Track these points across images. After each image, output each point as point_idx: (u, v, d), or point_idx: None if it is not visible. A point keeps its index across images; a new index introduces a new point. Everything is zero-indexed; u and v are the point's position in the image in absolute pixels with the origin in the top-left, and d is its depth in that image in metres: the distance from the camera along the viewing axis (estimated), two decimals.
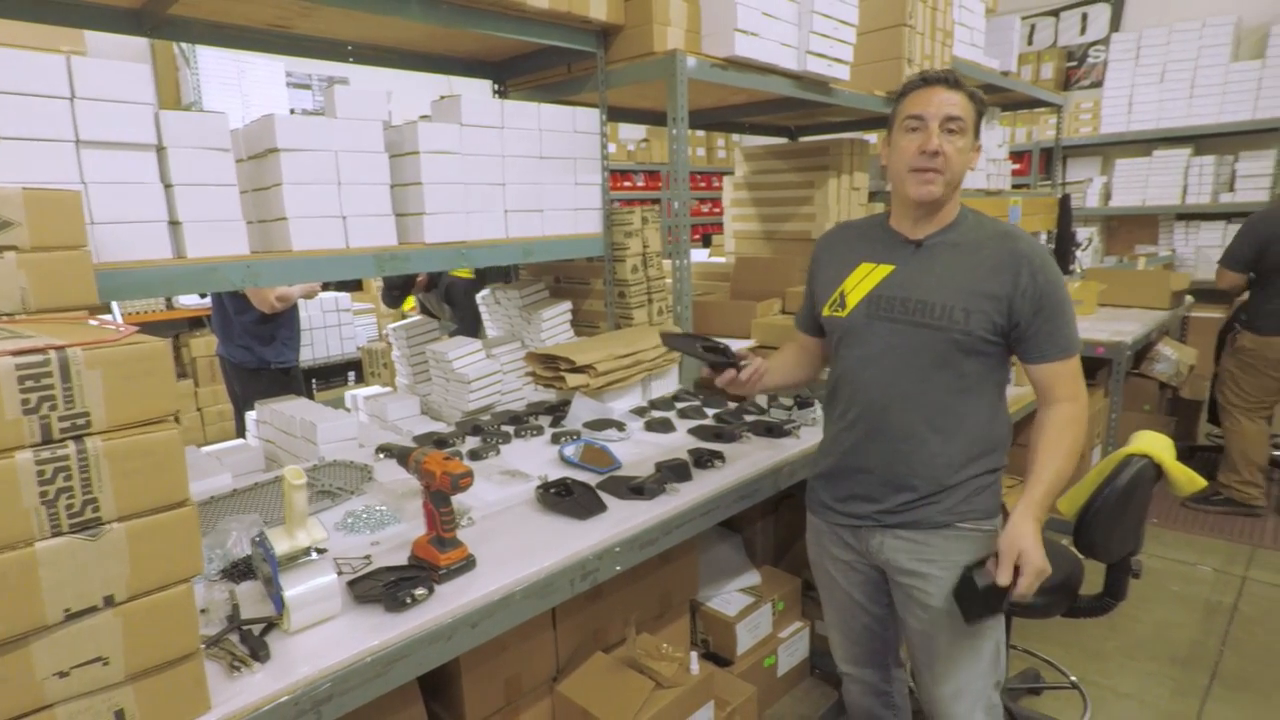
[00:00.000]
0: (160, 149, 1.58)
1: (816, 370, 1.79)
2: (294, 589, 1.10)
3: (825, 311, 1.59)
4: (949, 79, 1.45)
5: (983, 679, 1.54)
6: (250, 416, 2.37)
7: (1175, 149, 6.36)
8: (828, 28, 2.67)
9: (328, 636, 1.12)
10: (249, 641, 1.07)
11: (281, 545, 1.11)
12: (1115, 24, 6.98)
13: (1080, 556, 1.91)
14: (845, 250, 1.62)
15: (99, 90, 1.46)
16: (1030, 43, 7.45)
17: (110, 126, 1.48)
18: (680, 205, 2.43)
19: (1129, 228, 6.84)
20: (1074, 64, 7.32)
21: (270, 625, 1.12)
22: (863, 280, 1.54)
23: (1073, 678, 2.37)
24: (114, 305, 3.97)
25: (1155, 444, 1.79)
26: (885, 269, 1.52)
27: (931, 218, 1.50)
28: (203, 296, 4.42)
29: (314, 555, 1.16)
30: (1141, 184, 6.49)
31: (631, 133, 7.38)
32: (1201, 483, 1.78)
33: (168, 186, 1.59)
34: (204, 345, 4.70)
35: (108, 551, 0.80)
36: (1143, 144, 6.54)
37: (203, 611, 1.16)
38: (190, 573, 0.87)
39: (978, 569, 1.41)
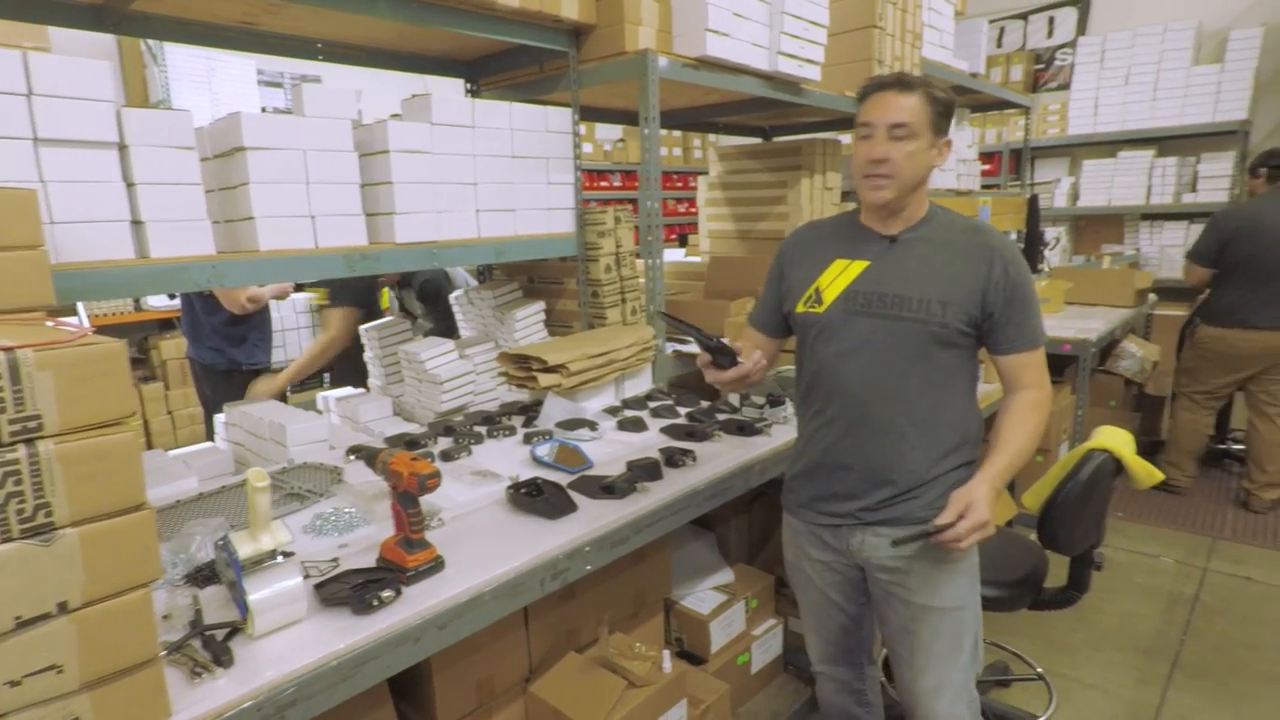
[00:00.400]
0: (122, 147, 1.54)
1: (768, 369, 1.77)
2: (258, 593, 1.09)
3: (799, 308, 1.60)
4: (899, 82, 1.45)
5: (963, 672, 1.56)
6: (219, 419, 2.34)
7: (1139, 150, 6.50)
8: (798, 28, 2.69)
9: (293, 640, 1.11)
10: (212, 647, 1.06)
11: (245, 549, 1.09)
12: (1081, 28, 7.11)
13: (1044, 550, 1.95)
14: (817, 248, 1.62)
15: (57, 87, 1.43)
16: (1000, 45, 7.56)
17: (69, 124, 1.45)
18: (652, 205, 2.43)
19: (1096, 227, 6.97)
20: (1042, 66, 7.44)
21: (234, 630, 1.11)
22: (839, 276, 1.55)
23: (1039, 669, 2.41)
24: (80, 307, 3.89)
25: (1115, 439, 1.83)
26: (860, 264, 1.54)
27: (897, 216, 1.52)
28: (172, 298, 4.34)
29: (279, 559, 1.14)
30: (1107, 184, 6.62)
31: (608, 133, 7.37)
32: (1159, 476, 1.83)
33: (130, 185, 1.57)
34: (174, 347, 4.62)
35: (61, 557, 0.79)
36: (1108, 145, 6.67)
37: (165, 617, 1.14)
38: (148, 578, 0.85)
39: None
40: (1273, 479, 3.66)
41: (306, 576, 1.28)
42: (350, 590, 1.19)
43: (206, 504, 1.67)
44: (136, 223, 1.58)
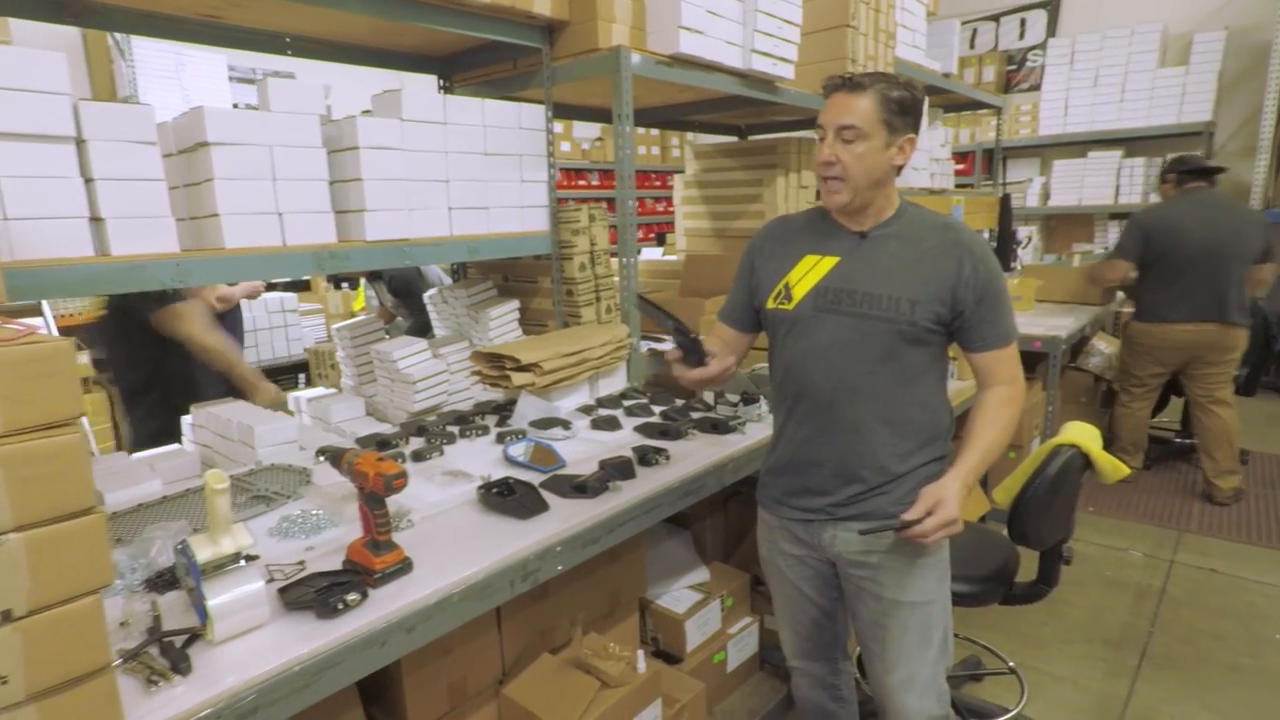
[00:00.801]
0: (80, 141, 1.51)
1: (736, 365, 1.75)
2: (217, 598, 1.06)
3: (769, 304, 1.59)
4: (849, 83, 1.45)
5: (932, 666, 1.57)
6: (186, 421, 2.29)
7: (1108, 151, 6.61)
8: (772, 27, 2.70)
9: (254, 646, 1.09)
10: (170, 654, 1.03)
11: (204, 553, 1.07)
12: (1052, 29, 7.21)
13: (1015, 545, 1.97)
14: (787, 243, 1.61)
15: (9, 79, 1.39)
16: (972, 46, 7.65)
17: (23, 117, 1.41)
18: (626, 203, 2.42)
19: (1066, 226, 7.08)
20: (1014, 67, 7.54)
21: (194, 636, 1.08)
22: (808, 272, 1.54)
23: (1011, 663, 2.44)
24: (45, 306, 3.80)
25: (1083, 434, 1.86)
26: (831, 260, 1.53)
27: (863, 213, 1.52)
28: None
29: (241, 562, 1.12)
30: (1078, 184, 6.73)
31: (586, 131, 7.35)
32: (1125, 470, 1.85)
33: (89, 181, 1.53)
34: None
35: (4, 564, 0.76)
36: (1078, 145, 6.78)
37: (122, 624, 1.11)
38: (98, 584, 0.83)
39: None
40: (1224, 466, 3.76)
41: (270, 580, 1.26)
42: (315, 594, 1.17)
43: (170, 507, 1.63)
44: (96, 219, 1.54)
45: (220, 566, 1.11)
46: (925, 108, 1.54)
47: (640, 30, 2.43)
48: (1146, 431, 4.07)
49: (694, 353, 1.55)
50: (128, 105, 1.57)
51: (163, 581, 1.25)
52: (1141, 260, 3.73)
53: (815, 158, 1.49)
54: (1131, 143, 6.57)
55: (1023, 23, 7.44)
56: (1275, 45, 5.61)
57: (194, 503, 1.66)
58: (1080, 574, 3.08)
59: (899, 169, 1.50)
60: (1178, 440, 4.43)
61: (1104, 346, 4.27)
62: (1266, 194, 5.80)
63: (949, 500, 1.38)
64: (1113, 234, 6.71)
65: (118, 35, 4.40)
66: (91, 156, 1.51)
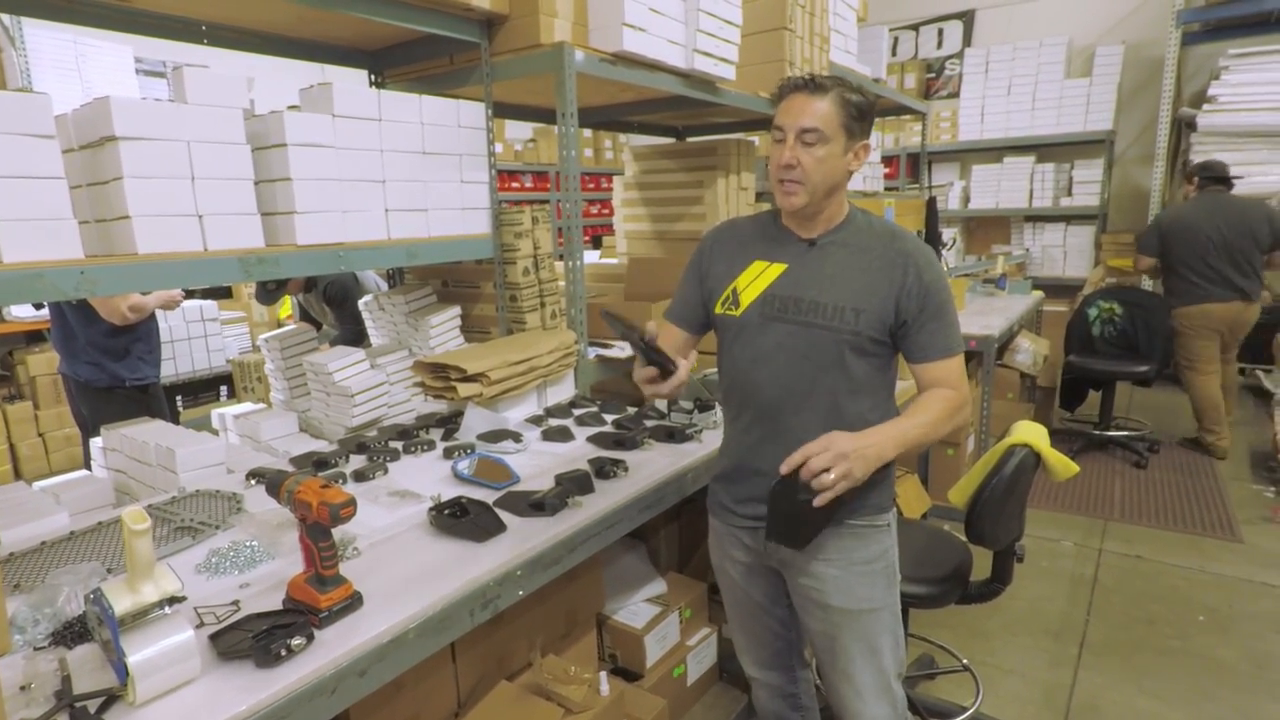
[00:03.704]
0: None
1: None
2: (138, 653, 0.93)
3: (718, 309, 1.56)
4: (811, 84, 1.41)
5: (883, 673, 1.55)
6: (96, 443, 2.08)
7: (1021, 156, 6.92)
8: (714, 27, 2.67)
9: (185, 705, 0.96)
10: None
11: (122, 603, 0.94)
12: (967, 39, 7.51)
13: (968, 546, 1.99)
14: (736, 247, 1.58)
15: None
16: (894, 54, 7.89)
17: None
18: (572, 204, 2.34)
19: (985, 228, 7.38)
20: (933, 75, 7.82)
21: (111, 698, 0.95)
22: (756, 279, 1.52)
23: (964, 660, 2.47)
24: None
25: (1033, 433, 1.88)
26: (778, 268, 1.50)
27: (814, 220, 1.49)
28: (39, 308, 3.91)
29: (166, 609, 0.99)
30: (994, 188, 7.02)
31: (519, 132, 7.21)
32: (1075, 469, 1.89)
33: None
34: (45, 362, 4.17)
35: None
36: (994, 151, 7.08)
37: (23, 688, 0.96)
38: None
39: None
40: (1212, 425, 4.39)
41: (200, 625, 1.13)
42: (253, 640, 1.05)
43: (78, 545, 1.46)
44: None
45: (142, 615, 0.97)
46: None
47: (582, 26, 2.36)
48: (1221, 404, 4.45)
49: (664, 365, 1.48)
50: (19, 94, 1.40)
51: (72, 634, 1.10)
52: (1161, 254, 4.42)
53: (773, 160, 1.44)
54: (1042, 149, 6.89)
55: (940, 33, 7.72)
56: (1168, 60, 5.98)
57: (106, 537, 1.49)
58: (1020, 566, 3.17)
59: (851, 175, 1.46)
60: (1096, 432, 4.65)
61: (1029, 344, 4.44)
62: (1164, 200, 6.18)
63: (838, 439, 1.31)
64: (1028, 235, 7.03)
65: (6, 20, 4.02)
66: None
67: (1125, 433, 4.69)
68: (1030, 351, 4.43)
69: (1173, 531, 3.49)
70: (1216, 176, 4.39)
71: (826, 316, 1.44)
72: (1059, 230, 6.82)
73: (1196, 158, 5.64)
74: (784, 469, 1.35)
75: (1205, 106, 5.64)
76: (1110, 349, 4.68)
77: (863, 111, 1.43)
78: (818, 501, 1.31)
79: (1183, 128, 6.08)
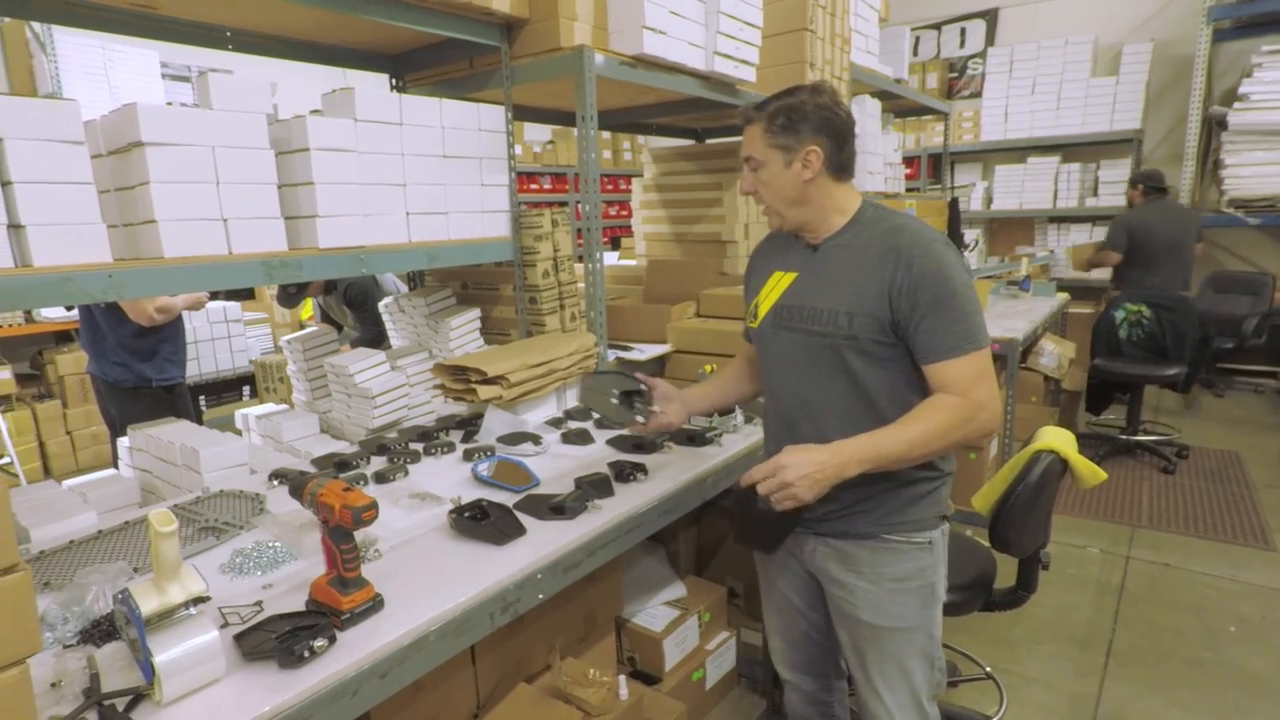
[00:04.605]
0: None
1: (750, 384, 1.80)
2: (165, 653, 0.94)
3: (748, 322, 1.62)
4: (744, 113, 1.47)
5: (915, 694, 1.51)
6: (123, 443, 2.11)
7: (1046, 156, 6.83)
8: (734, 29, 2.66)
9: (210, 704, 0.97)
10: (111, 719, 0.91)
11: (149, 603, 0.95)
12: (990, 38, 7.42)
13: (992, 553, 1.96)
14: (763, 260, 1.63)
15: None
16: (916, 54, 7.82)
17: None
18: (591, 206, 2.34)
19: (1009, 230, 7.29)
20: (955, 75, 7.74)
21: (139, 697, 0.96)
22: (772, 290, 1.55)
23: (987, 668, 2.44)
24: None
25: (1060, 439, 1.85)
26: (790, 276, 1.52)
27: (814, 226, 1.48)
28: (69, 309, 4.00)
29: (191, 610, 1.00)
30: (1018, 189, 6.94)
31: (537, 134, 7.24)
32: (1103, 475, 1.86)
33: (5, 184, 1.37)
34: (73, 361, 4.27)
35: None
36: (1018, 151, 6.99)
37: (53, 685, 0.98)
38: (22, 653, 0.71)
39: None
40: None
41: (225, 625, 1.14)
42: (276, 641, 1.06)
43: (106, 544, 1.48)
44: (15, 227, 1.39)
45: (167, 615, 0.98)
46: (835, 110, 1.40)
47: (602, 30, 2.36)
48: None
49: (650, 406, 1.57)
50: (50, 101, 1.42)
51: (100, 632, 1.11)
52: (1125, 250, 4.96)
53: None
54: (1068, 149, 6.80)
55: (963, 32, 7.65)
56: (1198, 58, 5.87)
57: (133, 537, 1.51)
58: (1045, 573, 3.12)
59: (810, 181, 1.41)
60: (1123, 437, 4.57)
61: (1053, 347, 4.38)
62: (1194, 198, 6.06)
63: (787, 467, 1.27)
64: (1052, 236, 6.94)
65: (38, 27, 4.11)
66: (8, 157, 1.36)
67: (1153, 437, 4.61)
68: (1054, 354, 4.37)
69: (1202, 539, 3.42)
70: (1158, 186, 5.06)
71: (823, 322, 1.43)
72: (1084, 231, 6.72)
73: (1228, 157, 5.56)
74: (743, 482, 1.36)
75: (1236, 105, 5.53)
76: (1138, 352, 4.60)
77: (793, 119, 1.39)
78: (745, 483, 1.35)
79: (1213, 126, 5.97)
